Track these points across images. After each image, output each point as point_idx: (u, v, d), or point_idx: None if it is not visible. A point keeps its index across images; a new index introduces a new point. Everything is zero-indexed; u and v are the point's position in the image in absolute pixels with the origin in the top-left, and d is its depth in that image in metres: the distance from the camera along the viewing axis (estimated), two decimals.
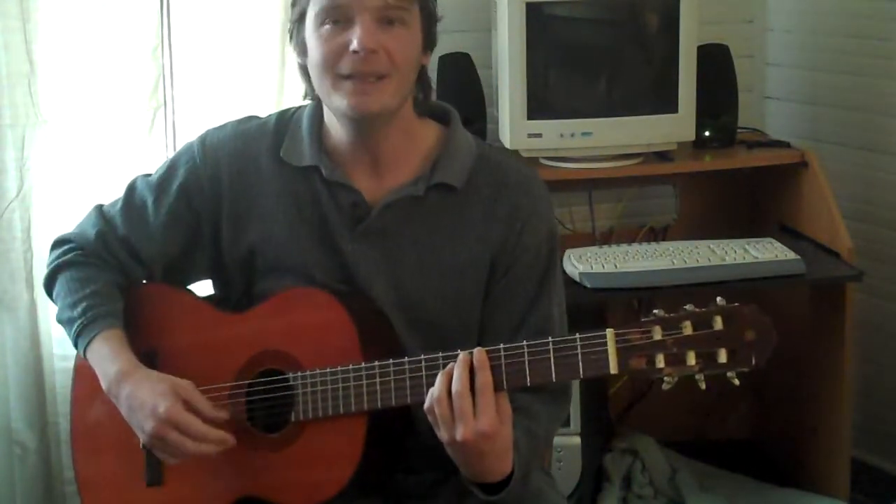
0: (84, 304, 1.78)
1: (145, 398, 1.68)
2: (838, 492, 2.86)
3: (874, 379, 3.13)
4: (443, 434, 1.56)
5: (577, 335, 1.56)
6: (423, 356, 1.63)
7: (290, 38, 1.75)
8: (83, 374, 1.84)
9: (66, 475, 2.62)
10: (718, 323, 1.53)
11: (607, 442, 3.09)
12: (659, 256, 2.73)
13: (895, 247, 3.07)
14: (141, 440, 1.71)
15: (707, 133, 2.95)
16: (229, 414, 1.71)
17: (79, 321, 1.78)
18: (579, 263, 2.67)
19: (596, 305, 2.97)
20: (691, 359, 1.53)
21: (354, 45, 1.63)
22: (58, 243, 1.90)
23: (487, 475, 1.60)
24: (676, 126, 2.86)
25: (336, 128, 1.75)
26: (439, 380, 1.56)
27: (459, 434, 1.54)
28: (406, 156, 1.75)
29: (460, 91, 2.90)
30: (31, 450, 2.59)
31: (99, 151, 2.61)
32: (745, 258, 2.70)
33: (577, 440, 2.75)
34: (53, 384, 2.59)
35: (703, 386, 1.54)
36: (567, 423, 2.70)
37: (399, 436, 1.73)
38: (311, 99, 1.78)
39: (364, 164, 1.74)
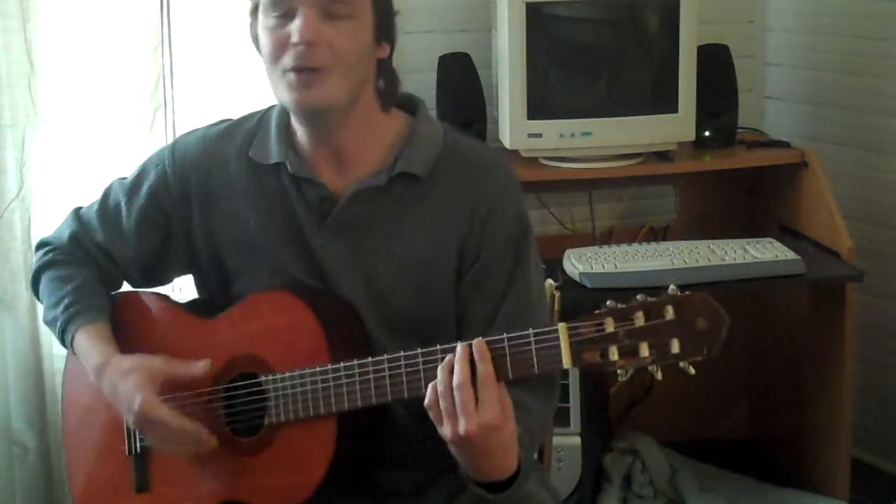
0: (65, 302, 1.80)
1: (121, 394, 1.71)
2: (838, 492, 2.86)
3: (874, 379, 3.13)
4: (445, 430, 1.54)
5: (531, 330, 1.54)
6: (402, 353, 1.60)
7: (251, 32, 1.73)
8: (70, 378, 1.87)
9: (66, 475, 2.62)
10: (670, 313, 1.49)
11: (607, 442, 3.09)
12: (659, 256, 2.73)
13: (895, 247, 3.07)
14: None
15: (707, 133, 2.95)
16: (209, 366, 1.70)
17: (61, 319, 1.80)
18: (579, 263, 2.67)
19: (596, 305, 2.97)
20: (644, 350, 1.49)
21: (294, 37, 1.62)
22: (39, 246, 1.94)
23: (493, 472, 1.58)
24: (676, 126, 2.86)
25: (298, 124, 1.75)
26: (440, 374, 1.54)
27: (463, 428, 1.51)
28: (369, 148, 1.74)
29: (460, 91, 2.90)
30: (31, 450, 2.59)
31: (99, 151, 2.61)
32: (745, 258, 2.70)
33: (577, 440, 2.75)
34: (53, 384, 2.59)
35: (659, 376, 1.50)
36: (567, 423, 2.70)
37: (371, 435, 1.72)
38: None
39: (327, 159, 1.74)
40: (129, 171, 1.91)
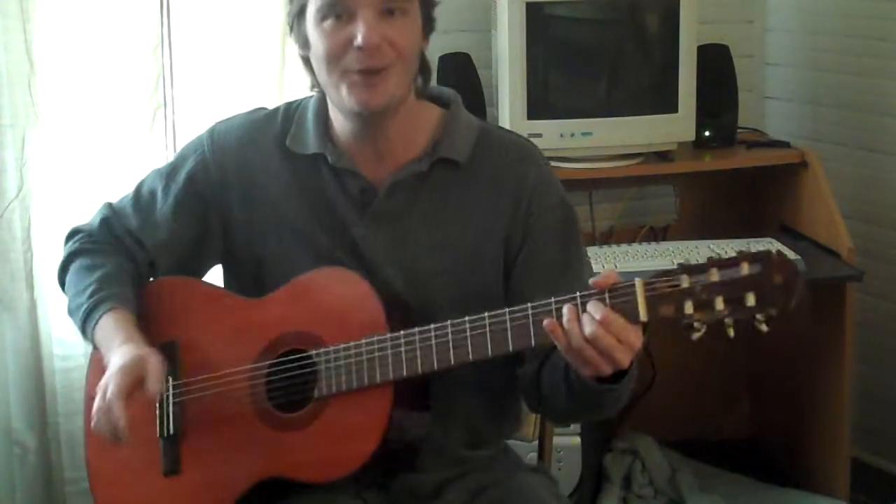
0: (91, 289, 1.77)
1: (106, 373, 1.66)
2: (838, 492, 2.86)
3: (874, 379, 3.13)
4: (591, 369, 1.54)
5: (607, 291, 1.54)
6: (478, 316, 1.59)
7: (291, 30, 1.74)
8: (97, 366, 1.81)
9: (66, 475, 2.62)
10: (745, 269, 1.51)
11: (607, 442, 3.09)
12: (659, 256, 2.73)
13: (895, 247, 3.07)
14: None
15: (707, 133, 2.96)
16: (160, 391, 1.66)
17: (85, 306, 1.76)
18: None
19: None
20: (720, 303, 1.51)
21: (359, 41, 1.63)
22: (69, 235, 1.90)
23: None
24: (676, 126, 2.86)
25: (339, 119, 1.75)
26: (572, 329, 1.52)
27: (625, 362, 1.53)
28: (409, 138, 1.75)
29: (460, 91, 2.87)
30: (31, 450, 2.59)
31: (99, 151, 2.61)
32: None
33: (577, 440, 2.75)
34: (53, 384, 2.59)
35: (732, 333, 1.52)
36: (567, 424, 2.70)
37: (420, 408, 1.71)
38: (317, 90, 1.77)
39: (367, 150, 1.75)
40: (158, 165, 1.89)
